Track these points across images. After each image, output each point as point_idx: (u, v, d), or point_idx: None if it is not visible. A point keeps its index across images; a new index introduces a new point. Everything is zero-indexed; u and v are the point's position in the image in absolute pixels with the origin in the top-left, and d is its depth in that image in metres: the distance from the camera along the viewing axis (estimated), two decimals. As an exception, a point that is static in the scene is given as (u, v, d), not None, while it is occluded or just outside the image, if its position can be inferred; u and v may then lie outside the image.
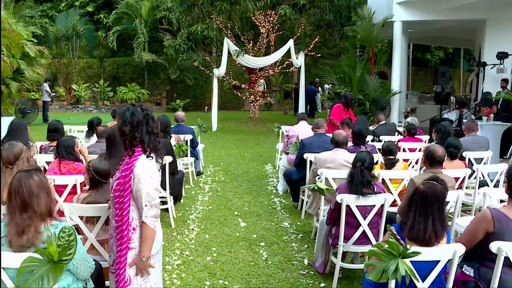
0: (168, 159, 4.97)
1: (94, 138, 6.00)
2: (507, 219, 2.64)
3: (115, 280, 2.48)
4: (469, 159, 5.39)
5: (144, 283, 2.53)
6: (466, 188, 4.81)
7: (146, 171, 2.43)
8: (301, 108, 14.80)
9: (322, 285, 3.73)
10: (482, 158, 5.61)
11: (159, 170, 2.57)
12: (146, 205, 2.42)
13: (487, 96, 9.34)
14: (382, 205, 3.52)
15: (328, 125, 7.58)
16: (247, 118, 14.69)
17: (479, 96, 10.76)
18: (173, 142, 5.99)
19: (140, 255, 2.47)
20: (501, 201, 3.60)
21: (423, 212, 2.51)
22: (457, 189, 4.19)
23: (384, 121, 7.67)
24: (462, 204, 4.33)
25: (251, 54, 13.59)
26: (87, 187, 3.41)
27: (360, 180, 3.46)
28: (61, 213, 3.11)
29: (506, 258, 2.45)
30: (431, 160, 3.82)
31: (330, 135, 4.95)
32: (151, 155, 2.50)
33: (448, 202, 3.66)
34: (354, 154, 3.82)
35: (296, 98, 18.89)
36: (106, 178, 3.26)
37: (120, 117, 2.50)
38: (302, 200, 5.58)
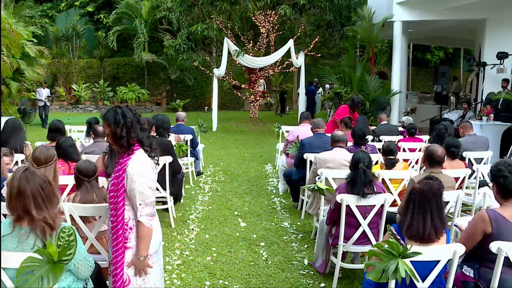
0: (168, 159, 4.97)
1: (94, 138, 5.99)
2: (504, 220, 2.65)
3: (113, 280, 2.48)
4: (469, 159, 5.39)
5: (144, 283, 2.53)
6: (466, 188, 4.81)
7: (138, 170, 2.43)
8: (301, 108, 14.80)
9: (322, 285, 3.73)
10: (482, 158, 5.61)
11: (156, 165, 2.58)
12: (140, 204, 2.42)
13: (490, 96, 9.33)
14: (382, 205, 3.52)
15: (331, 125, 7.58)
16: (247, 118, 14.67)
17: (479, 96, 10.76)
18: (172, 141, 5.99)
19: (137, 255, 2.47)
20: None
21: (422, 209, 2.52)
22: (457, 189, 4.19)
23: (386, 121, 7.66)
24: (462, 204, 4.32)
25: (251, 54, 13.58)
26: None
27: (363, 180, 3.46)
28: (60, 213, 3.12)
29: (506, 258, 2.46)
30: (430, 160, 3.83)
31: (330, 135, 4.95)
32: (151, 153, 2.52)
33: (448, 202, 3.66)
34: (354, 154, 3.81)
35: (282, 99, 18.99)
36: (88, 177, 3.31)
37: (111, 122, 2.43)
38: (302, 200, 5.58)
